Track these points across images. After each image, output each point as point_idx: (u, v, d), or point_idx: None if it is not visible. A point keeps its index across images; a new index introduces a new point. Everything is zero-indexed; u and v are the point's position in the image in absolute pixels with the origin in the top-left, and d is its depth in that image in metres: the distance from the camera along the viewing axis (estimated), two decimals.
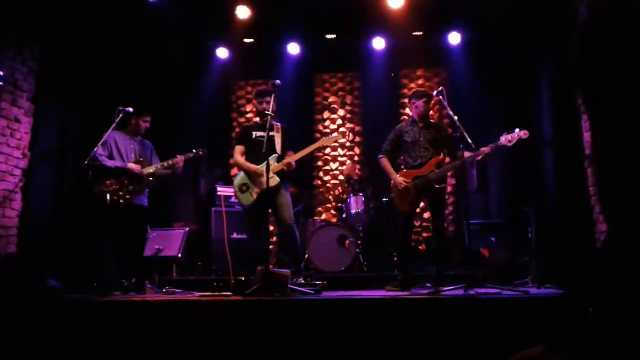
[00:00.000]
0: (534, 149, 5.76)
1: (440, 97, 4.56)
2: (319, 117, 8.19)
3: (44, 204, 5.83)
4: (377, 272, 6.14)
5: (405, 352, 3.28)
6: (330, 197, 7.44)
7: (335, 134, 5.28)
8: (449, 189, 7.37)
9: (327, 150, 8.02)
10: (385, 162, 4.94)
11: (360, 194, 6.50)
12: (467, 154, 4.48)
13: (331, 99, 8.21)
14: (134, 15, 6.32)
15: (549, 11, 5.54)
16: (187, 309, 3.75)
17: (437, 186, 4.71)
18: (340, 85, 8.26)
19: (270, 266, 4.37)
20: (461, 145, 4.39)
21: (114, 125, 4.87)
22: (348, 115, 8.16)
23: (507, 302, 3.49)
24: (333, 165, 8.04)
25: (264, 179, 4.59)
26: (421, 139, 4.84)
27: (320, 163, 8.06)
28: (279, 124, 5.06)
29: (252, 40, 7.51)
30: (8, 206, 5.51)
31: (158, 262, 6.05)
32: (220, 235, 6.26)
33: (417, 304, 3.55)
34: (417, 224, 7.58)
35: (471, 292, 3.80)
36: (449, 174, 4.84)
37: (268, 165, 4.46)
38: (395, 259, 6.22)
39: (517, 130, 4.49)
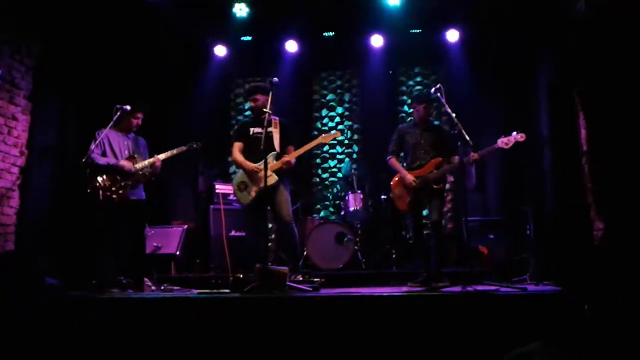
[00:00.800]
0: (532, 147, 5.76)
1: (439, 94, 4.59)
2: (317, 114, 8.17)
3: (41, 201, 5.83)
4: (375, 270, 6.15)
5: (403, 349, 3.29)
6: (328, 194, 7.44)
7: (334, 132, 5.25)
8: (447, 186, 7.37)
9: (326, 148, 8.00)
10: (394, 161, 5.05)
11: (359, 192, 6.50)
12: (455, 159, 4.53)
13: (329, 97, 8.20)
14: (132, 13, 6.31)
15: (547, 9, 5.54)
16: (186, 306, 3.75)
17: (435, 186, 4.80)
18: (338, 82, 8.25)
19: (269, 264, 4.37)
20: (459, 143, 4.42)
21: (111, 123, 4.87)
22: (346, 113, 8.15)
23: (506, 299, 3.50)
24: (331, 163, 8.03)
25: (262, 175, 4.60)
26: (422, 141, 4.95)
27: (318, 160, 8.06)
28: (277, 118, 5.03)
29: (250, 37, 7.51)
30: (6, 204, 5.50)
31: (156, 260, 6.05)
32: (219, 232, 6.26)
33: (416, 301, 3.56)
34: None
35: (469, 289, 3.81)
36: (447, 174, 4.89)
37: (266, 164, 4.45)
38: (393, 256, 6.23)
39: (514, 133, 4.54)
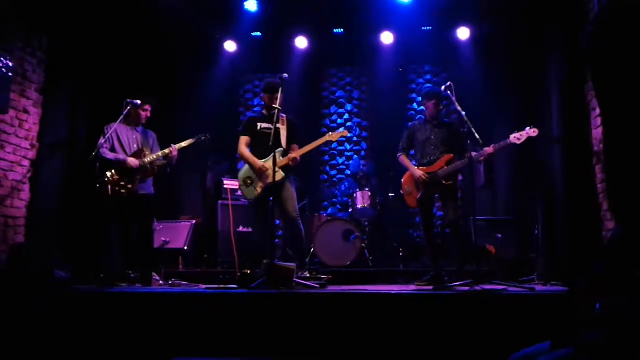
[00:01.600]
0: (542, 146, 5.72)
1: (449, 92, 4.57)
2: (326, 111, 8.18)
3: (52, 195, 5.86)
4: (382, 267, 6.15)
5: (410, 347, 3.28)
6: (336, 191, 7.44)
7: (341, 129, 5.23)
8: None
9: (334, 145, 8.00)
10: (404, 158, 5.07)
11: (367, 189, 6.50)
12: (474, 153, 4.49)
13: (338, 94, 8.20)
14: (143, 8, 6.33)
15: (559, 6, 5.50)
16: (193, 301, 3.77)
17: (445, 182, 4.78)
18: (348, 79, 8.24)
19: (276, 260, 4.37)
20: (469, 141, 4.40)
21: (121, 117, 4.89)
22: (355, 110, 8.14)
23: (513, 298, 3.49)
24: (340, 160, 8.03)
25: (269, 173, 4.61)
26: (432, 137, 4.96)
27: (327, 158, 8.06)
28: (284, 115, 5.04)
29: (260, 34, 7.51)
30: (16, 197, 5.54)
31: (164, 255, 6.08)
32: (227, 228, 6.29)
33: (424, 300, 3.55)
34: None
35: (477, 288, 3.80)
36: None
37: (275, 159, 4.46)
38: (401, 254, 6.22)
39: (527, 128, 4.50)
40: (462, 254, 4.85)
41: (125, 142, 5.08)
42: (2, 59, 5.05)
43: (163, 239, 6.19)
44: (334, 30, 7.46)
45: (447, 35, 7.30)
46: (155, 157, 5.05)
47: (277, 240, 7.16)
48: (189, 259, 6.40)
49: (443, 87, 4.65)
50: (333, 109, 8.17)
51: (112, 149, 5.01)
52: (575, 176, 5.26)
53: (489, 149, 4.56)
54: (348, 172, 7.71)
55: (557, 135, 5.64)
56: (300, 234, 4.89)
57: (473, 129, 4.37)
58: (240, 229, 6.55)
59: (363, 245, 6.16)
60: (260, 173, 4.84)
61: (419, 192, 4.86)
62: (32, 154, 5.75)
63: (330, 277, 4.73)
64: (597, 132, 5.10)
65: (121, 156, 4.96)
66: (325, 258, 6.08)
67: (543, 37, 5.99)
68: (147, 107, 5.21)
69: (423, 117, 5.17)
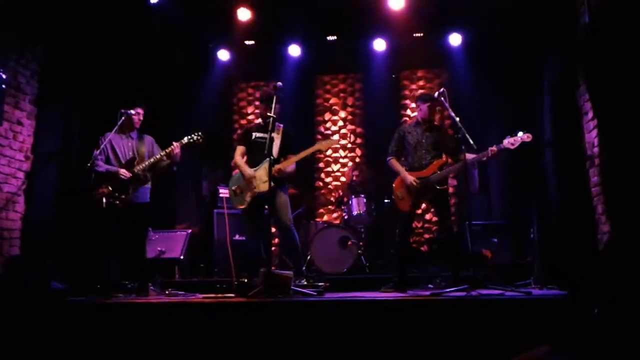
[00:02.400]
0: (535, 150, 5.75)
1: (442, 98, 4.57)
2: (320, 118, 8.20)
3: (46, 206, 5.84)
4: (379, 274, 6.14)
5: (408, 353, 3.29)
6: (332, 198, 7.45)
7: (333, 138, 5.19)
8: (450, 189, 7.37)
9: (329, 152, 8.02)
10: (394, 162, 4.97)
11: (362, 196, 6.51)
12: (468, 156, 4.48)
13: (332, 101, 8.22)
14: (136, 18, 6.34)
15: (551, 12, 5.55)
16: (190, 311, 3.76)
17: (438, 187, 4.73)
18: (341, 86, 8.27)
19: (273, 268, 4.37)
20: (463, 147, 4.40)
21: (116, 127, 4.89)
22: (349, 117, 8.17)
23: (510, 303, 3.50)
24: (334, 167, 8.04)
25: (257, 182, 4.63)
26: (424, 141, 4.88)
27: (321, 165, 8.07)
28: (281, 125, 5.05)
29: (253, 42, 7.53)
30: (11, 209, 5.52)
31: (161, 264, 6.06)
32: (223, 237, 6.27)
33: (420, 306, 3.56)
34: (418, 225, 7.59)
35: (474, 293, 3.80)
36: (450, 175, 4.85)
37: (271, 167, 4.44)
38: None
39: (520, 133, 4.49)
40: (457, 259, 4.83)
41: (119, 152, 5.06)
42: None
43: (159, 248, 6.17)
44: (327, 38, 7.49)
45: (440, 41, 7.35)
46: (149, 163, 5.02)
47: (273, 248, 7.16)
48: (185, 268, 6.37)
49: (436, 94, 4.64)
50: (327, 116, 8.19)
51: (107, 160, 4.99)
52: (568, 180, 5.30)
53: (493, 148, 4.52)
54: (343, 178, 7.73)
55: (550, 140, 5.68)
56: (294, 241, 4.89)
57: (467, 134, 4.37)
58: (237, 237, 6.53)
59: (359, 251, 6.16)
60: (249, 182, 4.86)
61: (410, 196, 4.80)
62: (26, 166, 5.74)
63: (327, 284, 4.72)
64: (589, 136, 5.14)
65: (113, 168, 4.94)
66: (322, 265, 6.08)
67: (534, 42, 6.03)
68: (139, 110, 5.16)
69: (414, 120, 5.10)
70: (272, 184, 4.66)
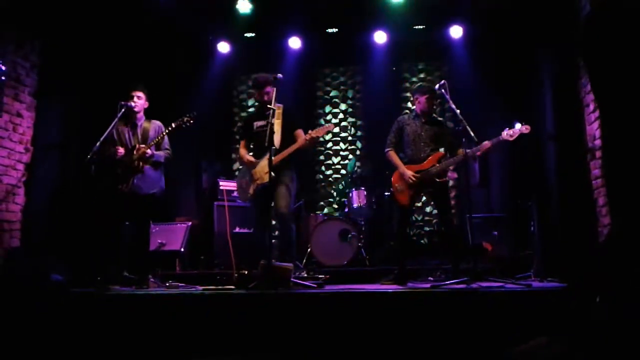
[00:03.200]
0: (536, 143, 5.75)
1: (443, 90, 4.55)
2: (320, 111, 8.18)
3: (47, 198, 5.85)
4: (379, 266, 6.15)
5: (408, 345, 3.29)
6: (332, 191, 7.45)
7: (328, 124, 5.01)
8: (450, 182, 7.37)
9: (329, 145, 8.01)
10: (392, 154, 4.92)
11: (363, 188, 6.50)
12: (467, 151, 4.48)
13: (333, 93, 8.20)
14: (135, 10, 6.31)
15: (551, 4, 5.53)
16: (191, 303, 3.77)
17: (438, 180, 4.72)
18: (342, 79, 8.25)
19: (273, 260, 4.37)
20: (463, 139, 4.39)
21: (116, 120, 4.85)
22: (350, 110, 8.15)
23: (510, 295, 3.50)
24: (335, 160, 8.04)
25: (258, 175, 4.66)
26: (422, 133, 4.85)
27: (322, 157, 8.06)
28: (280, 105, 4.92)
29: (253, 34, 7.51)
30: (11, 200, 5.52)
31: (161, 257, 6.07)
32: (223, 229, 6.28)
33: (420, 298, 3.56)
34: (419, 217, 7.60)
35: (474, 285, 3.81)
36: (450, 167, 4.84)
37: (271, 158, 4.42)
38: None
39: (518, 125, 4.48)
40: (457, 251, 4.83)
41: (120, 141, 5.02)
42: None
43: (159, 241, 6.18)
44: (327, 30, 7.47)
45: (440, 34, 7.32)
46: (148, 148, 4.91)
47: (273, 241, 7.17)
48: (185, 260, 6.38)
49: (437, 86, 4.62)
50: (327, 108, 8.17)
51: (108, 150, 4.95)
52: (569, 172, 5.29)
53: (486, 143, 4.51)
54: (343, 171, 7.72)
55: (551, 132, 5.67)
56: (287, 232, 4.78)
57: (468, 127, 4.36)
58: (237, 229, 6.54)
59: (359, 244, 6.17)
60: (252, 174, 4.84)
61: (409, 189, 4.77)
62: (26, 158, 5.73)
63: (327, 276, 4.73)
64: (590, 129, 5.13)
65: (111, 150, 4.87)
66: (322, 258, 6.09)
67: (536, 34, 6.02)
68: (139, 93, 5.04)
69: (414, 111, 5.07)
70: (272, 174, 4.64)
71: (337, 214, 7.11)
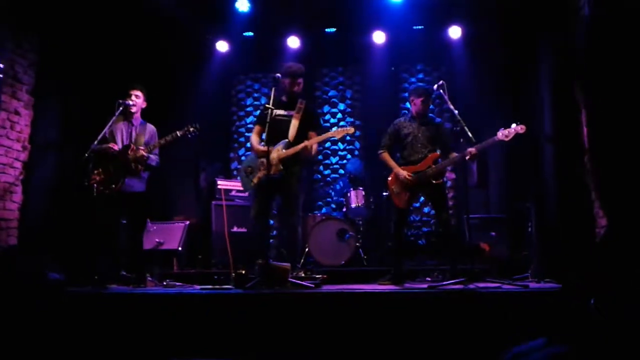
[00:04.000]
0: (534, 144, 5.75)
1: (441, 91, 4.56)
2: (319, 111, 8.16)
3: (44, 196, 5.84)
4: (377, 266, 6.15)
5: (405, 346, 3.29)
6: (330, 191, 7.45)
7: (347, 127, 4.97)
8: (448, 183, 7.38)
9: (327, 145, 8.01)
10: (386, 156, 4.93)
11: (361, 188, 6.51)
12: (452, 155, 4.50)
13: (331, 93, 8.20)
14: (134, 8, 6.30)
15: (550, 5, 5.53)
16: (188, 302, 3.76)
17: (434, 181, 4.73)
18: (340, 79, 8.25)
19: (270, 259, 4.37)
20: (461, 140, 4.40)
21: (114, 118, 4.83)
22: (348, 110, 8.15)
23: (507, 296, 3.51)
24: (333, 160, 8.04)
25: (270, 163, 4.52)
26: (419, 135, 4.86)
27: (320, 157, 8.06)
28: (303, 101, 4.91)
29: (252, 33, 7.50)
30: (9, 199, 5.51)
31: (158, 256, 6.06)
32: (221, 228, 6.28)
33: (418, 298, 3.57)
34: (416, 218, 7.60)
35: (471, 286, 3.81)
36: (447, 168, 4.84)
37: (269, 152, 4.38)
38: None
39: (513, 125, 4.48)
40: (454, 252, 4.84)
41: (118, 138, 4.97)
42: None
43: (157, 240, 6.17)
44: (326, 30, 7.47)
45: (439, 34, 7.33)
46: (144, 150, 4.87)
47: (271, 240, 7.17)
48: (183, 259, 6.37)
49: (435, 86, 4.63)
50: (326, 108, 8.16)
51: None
52: (567, 173, 5.30)
53: (472, 149, 4.51)
54: (342, 171, 7.72)
55: (548, 133, 5.68)
56: (296, 241, 4.79)
57: (466, 128, 4.37)
58: (235, 229, 6.53)
59: (357, 244, 6.17)
60: (261, 162, 4.70)
61: (406, 192, 4.77)
62: (24, 156, 5.72)
63: (325, 276, 4.72)
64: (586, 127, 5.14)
65: (105, 145, 4.82)
66: (319, 257, 6.08)
67: (534, 35, 6.02)
68: (137, 92, 5.01)
69: (408, 113, 5.08)
70: (281, 167, 4.59)
71: (335, 214, 7.12)
